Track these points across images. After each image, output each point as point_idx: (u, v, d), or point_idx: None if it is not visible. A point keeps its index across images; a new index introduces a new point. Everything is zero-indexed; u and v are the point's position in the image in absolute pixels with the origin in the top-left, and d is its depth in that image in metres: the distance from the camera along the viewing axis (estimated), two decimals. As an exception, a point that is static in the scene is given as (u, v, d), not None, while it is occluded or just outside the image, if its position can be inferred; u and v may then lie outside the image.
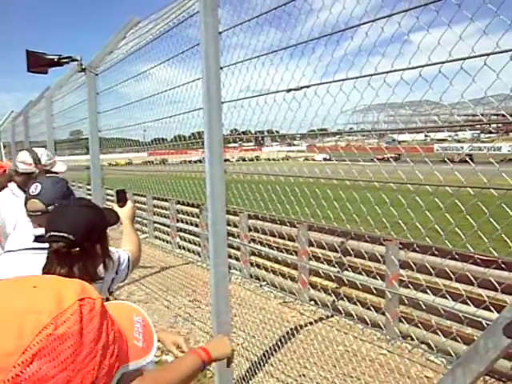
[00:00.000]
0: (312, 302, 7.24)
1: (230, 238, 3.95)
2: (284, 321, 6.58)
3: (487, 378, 4.72)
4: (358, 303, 5.10)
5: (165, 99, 5.08)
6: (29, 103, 11.85)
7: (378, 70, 2.56)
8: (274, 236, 6.82)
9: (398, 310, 5.84)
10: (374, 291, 5.39)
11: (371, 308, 4.89)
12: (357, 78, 2.70)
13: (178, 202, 11.08)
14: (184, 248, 10.90)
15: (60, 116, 9.40)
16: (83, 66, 6.08)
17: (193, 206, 9.94)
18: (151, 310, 7.16)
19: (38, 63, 5.87)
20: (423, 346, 5.01)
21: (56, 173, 3.91)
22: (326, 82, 2.93)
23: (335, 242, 5.57)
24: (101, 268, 2.07)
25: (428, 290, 3.57)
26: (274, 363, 5.30)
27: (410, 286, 4.61)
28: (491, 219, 2.37)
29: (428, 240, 2.90)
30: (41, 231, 2.04)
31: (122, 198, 3.13)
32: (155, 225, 12.80)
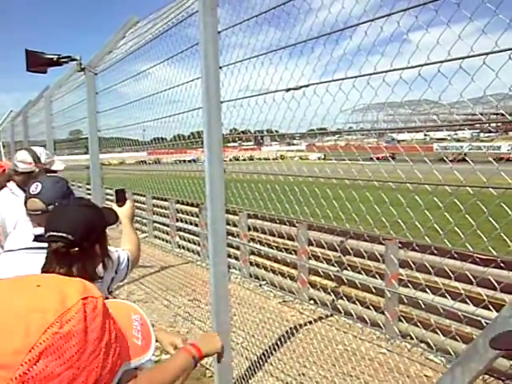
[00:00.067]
0: (311, 301, 7.25)
1: (230, 237, 3.95)
2: (283, 320, 6.58)
3: (486, 376, 4.72)
4: (357, 302, 5.11)
5: (164, 99, 5.09)
6: (28, 103, 11.85)
7: (377, 69, 2.57)
8: (274, 235, 6.82)
9: (398, 309, 5.85)
10: (374, 290, 5.40)
11: (370, 307, 4.89)
12: (356, 77, 2.70)
13: (178, 202, 11.08)
14: (183, 247, 10.91)
15: (59, 116, 9.40)
16: (82, 66, 6.08)
17: (192, 205, 9.94)
18: (151, 310, 7.16)
19: (37, 63, 5.87)
20: (422, 344, 5.02)
21: (55, 171, 3.92)
22: (325, 82, 2.93)
23: (335, 242, 5.57)
24: (100, 268, 2.08)
25: (427, 289, 3.57)
26: (273, 362, 5.30)
27: (409, 285, 4.61)
28: (490, 218, 2.37)
29: (427, 239, 2.90)
30: (40, 230, 2.05)
31: (121, 198, 3.14)
32: (155, 224, 12.80)
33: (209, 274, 3.75)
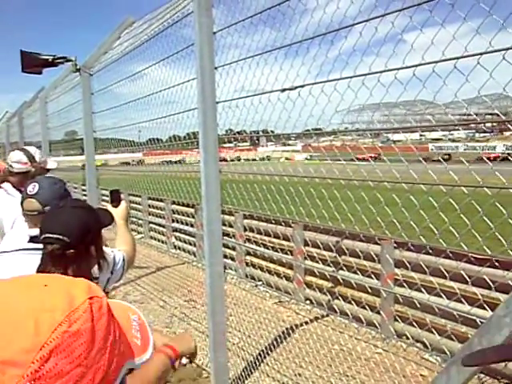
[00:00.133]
0: (307, 302, 7.25)
1: (226, 237, 3.96)
2: (279, 320, 6.58)
3: (482, 375, 4.74)
4: (353, 302, 5.11)
5: (160, 99, 5.09)
6: (23, 104, 11.82)
7: (372, 69, 2.57)
8: (270, 236, 6.82)
9: (393, 309, 5.85)
10: (369, 290, 5.41)
11: (366, 307, 4.90)
12: (351, 77, 2.71)
13: (174, 203, 11.07)
14: (179, 248, 10.89)
15: (55, 116, 9.39)
16: (78, 67, 6.07)
17: (188, 206, 9.93)
18: (147, 310, 7.15)
19: (32, 64, 5.86)
20: (418, 344, 5.02)
21: (49, 170, 3.94)
22: (321, 82, 2.94)
23: (330, 242, 5.58)
24: (95, 269, 2.08)
25: (423, 289, 3.58)
26: (269, 362, 5.30)
27: (404, 284, 4.61)
28: (485, 218, 2.38)
29: (422, 239, 2.91)
30: (36, 231, 2.05)
31: (115, 198, 3.13)
32: (150, 225, 12.79)
33: (205, 275, 3.76)
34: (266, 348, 5.50)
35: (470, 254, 3.36)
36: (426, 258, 4.05)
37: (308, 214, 3.78)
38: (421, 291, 3.73)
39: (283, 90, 3.16)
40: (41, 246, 1.91)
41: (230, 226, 8.88)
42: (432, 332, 3.94)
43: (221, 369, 3.80)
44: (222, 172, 3.57)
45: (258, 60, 3.44)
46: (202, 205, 3.61)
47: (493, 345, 1.73)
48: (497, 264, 3.34)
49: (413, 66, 2.35)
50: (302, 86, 3.04)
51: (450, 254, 3.54)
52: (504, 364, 4.50)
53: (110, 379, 0.84)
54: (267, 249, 7.28)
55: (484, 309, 2.85)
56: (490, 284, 2.85)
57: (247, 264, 8.81)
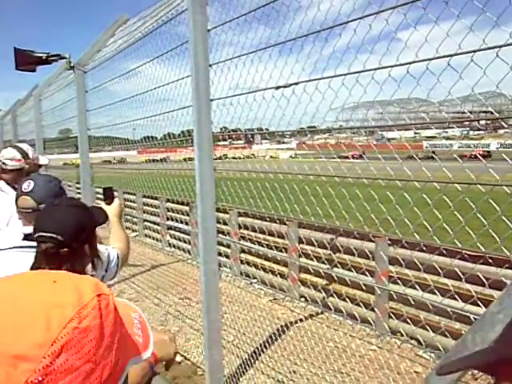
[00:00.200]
0: (302, 299, 7.27)
1: (220, 235, 3.96)
2: (274, 318, 6.59)
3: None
4: (347, 299, 5.13)
5: (154, 97, 5.08)
6: (17, 102, 11.76)
7: (366, 67, 2.58)
8: (264, 233, 6.83)
9: (388, 306, 5.87)
10: (364, 287, 5.42)
11: (361, 304, 4.92)
12: (345, 74, 2.71)
13: (168, 200, 11.06)
14: (174, 246, 10.89)
15: (49, 114, 9.35)
16: (72, 64, 6.05)
17: (183, 203, 9.93)
18: (141, 308, 7.02)
19: (26, 61, 5.84)
20: (412, 341, 5.05)
21: (41, 166, 3.94)
22: (315, 79, 2.94)
23: (325, 239, 5.59)
24: (89, 267, 2.08)
25: (417, 286, 3.60)
26: (264, 360, 5.31)
27: (398, 281, 4.64)
28: (478, 215, 2.39)
29: (416, 236, 2.92)
30: (30, 229, 2.04)
31: (109, 196, 3.13)
32: (145, 223, 12.78)
33: (199, 273, 3.75)
34: (260, 345, 5.51)
35: (464, 251, 3.38)
36: (420, 255, 4.07)
37: (302, 212, 3.78)
38: (415, 288, 3.75)
39: (277, 88, 3.16)
40: (35, 243, 1.91)
41: (225, 224, 8.88)
42: (426, 329, 3.96)
43: (216, 366, 3.80)
44: (216, 170, 3.57)
45: (252, 57, 3.43)
46: (196, 202, 3.61)
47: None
48: (490, 261, 3.36)
49: (407, 64, 2.35)
50: (296, 84, 3.04)
51: (444, 251, 3.55)
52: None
53: (117, 376, 0.85)
54: (262, 246, 7.28)
55: (478, 305, 2.87)
56: (484, 281, 2.86)
57: (242, 262, 8.82)
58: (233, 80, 3.65)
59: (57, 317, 0.76)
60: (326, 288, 6.41)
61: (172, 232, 11.31)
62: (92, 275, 2.10)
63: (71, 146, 9.55)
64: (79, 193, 7.55)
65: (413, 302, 4.75)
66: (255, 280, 8.21)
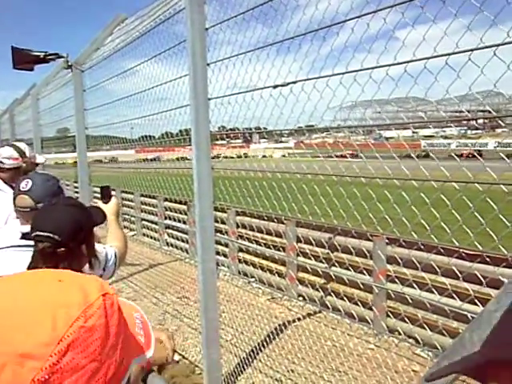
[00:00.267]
0: (300, 298, 7.27)
1: (218, 234, 3.96)
2: (272, 317, 6.59)
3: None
4: (345, 298, 5.14)
5: (152, 96, 5.07)
6: (14, 101, 11.74)
7: (363, 66, 2.58)
8: (262, 232, 6.83)
9: (385, 305, 5.88)
10: (362, 286, 5.42)
11: (358, 303, 4.93)
12: (343, 73, 2.72)
13: (166, 200, 11.05)
14: (172, 245, 10.87)
15: (46, 113, 9.33)
16: (69, 63, 6.04)
17: (180, 202, 9.92)
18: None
19: (23, 60, 5.82)
20: (410, 340, 5.05)
21: (38, 164, 3.94)
22: (313, 78, 2.94)
23: (323, 238, 5.59)
24: (86, 267, 2.07)
25: (414, 285, 3.60)
26: (262, 359, 5.31)
27: (396, 280, 4.65)
28: (476, 213, 2.39)
29: (414, 235, 2.92)
30: (28, 228, 2.03)
31: (106, 195, 3.13)
32: (143, 222, 12.76)
33: (197, 272, 3.75)
34: (258, 344, 5.51)
35: (462, 250, 3.39)
36: (417, 253, 4.07)
37: (300, 211, 3.79)
38: (413, 287, 3.75)
39: (275, 87, 3.16)
40: (33, 243, 1.90)
41: (223, 223, 8.88)
42: (424, 327, 3.96)
43: (213, 365, 3.80)
44: (214, 169, 3.57)
45: (250, 56, 3.44)
46: (194, 201, 3.60)
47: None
48: (488, 260, 3.37)
49: (404, 63, 2.36)
50: (294, 83, 3.04)
51: (442, 250, 3.55)
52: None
53: (120, 375, 0.86)
54: (260, 245, 7.28)
55: (475, 304, 2.87)
56: (481, 279, 2.86)
57: (240, 261, 8.82)
58: (231, 79, 3.65)
59: (63, 316, 0.76)
60: (323, 287, 6.42)
61: (170, 231, 11.30)
62: (90, 274, 2.11)
63: (69, 145, 9.54)
64: (77, 192, 7.54)
65: (410, 301, 4.76)
66: (253, 279, 8.21)
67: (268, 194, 3.86)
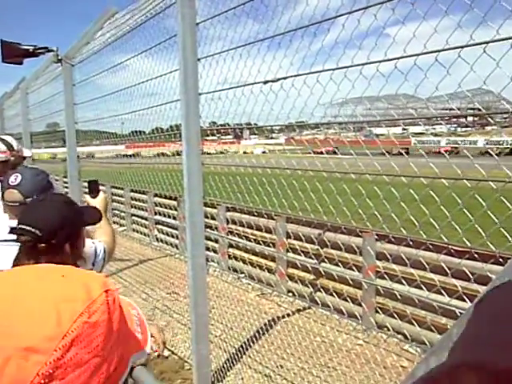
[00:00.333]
0: (289, 294, 7.28)
1: (208, 230, 3.95)
2: (262, 312, 6.60)
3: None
4: (334, 294, 5.14)
5: (142, 91, 5.06)
6: (3, 95, 11.67)
7: (354, 62, 2.58)
8: (252, 228, 6.83)
9: (374, 301, 5.90)
10: (351, 282, 5.44)
11: (348, 299, 4.94)
12: (333, 69, 2.72)
13: (156, 195, 11.03)
14: (162, 240, 10.85)
15: (36, 108, 9.28)
16: (59, 57, 6.01)
17: (170, 198, 9.90)
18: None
19: (12, 54, 5.78)
20: (399, 335, 5.07)
21: (25, 157, 3.92)
22: (303, 74, 2.94)
23: (312, 234, 5.60)
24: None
25: (403, 281, 3.61)
26: (251, 354, 5.32)
27: (385, 276, 4.65)
28: (465, 210, 2.41)
29: (403, 231, 2.94)
30: (16, 223, 2.02)
31: (94, 189, 3.09)
32: (133, 217, 12.72)
33: (187, 267, 3.75)
34: (248, 340, 5.52)
35: (450, 246, 3.40)
36: (406, 250, 4.09)
37: (290, 207, 3.79)
38: (401, 283, 3.77)
39: (266, 82, 3.16)
40: (21, 237, 1.89)
41: (213, 219, 8.87)
42: (412, 323, 3.98)
43: (203, 361, 3.81)
44: (204, 164, 3.56)
45: (240, 52, 3.43)
46: (184, 197, 3.60)
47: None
48: (476, 256, 3.39)
49: (395, 59, 2.36)
50: (285, 78, 3.04)
51: (431, 246, 3.57)
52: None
53: (121, 370, 0.87)
54: (250, 241, 7.28)
55: (463, 300, 2.89)
56: (470, 276, 2.88)
57: (230, 256, 8.81)
58: (221, 74, 3.65)
59: (67, 311, 0.77)
60: (313, 283, 6.42)
61: (160, 226, 11.27)
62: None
63: (58, 139, 9.49)
64: (66, 187, 7.51)
65: (399, 297, 4.77)
66: (243, 275, 8.21)
67: (258, 190, 3.86)
